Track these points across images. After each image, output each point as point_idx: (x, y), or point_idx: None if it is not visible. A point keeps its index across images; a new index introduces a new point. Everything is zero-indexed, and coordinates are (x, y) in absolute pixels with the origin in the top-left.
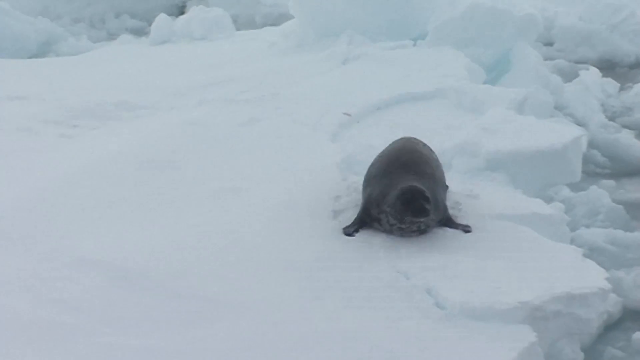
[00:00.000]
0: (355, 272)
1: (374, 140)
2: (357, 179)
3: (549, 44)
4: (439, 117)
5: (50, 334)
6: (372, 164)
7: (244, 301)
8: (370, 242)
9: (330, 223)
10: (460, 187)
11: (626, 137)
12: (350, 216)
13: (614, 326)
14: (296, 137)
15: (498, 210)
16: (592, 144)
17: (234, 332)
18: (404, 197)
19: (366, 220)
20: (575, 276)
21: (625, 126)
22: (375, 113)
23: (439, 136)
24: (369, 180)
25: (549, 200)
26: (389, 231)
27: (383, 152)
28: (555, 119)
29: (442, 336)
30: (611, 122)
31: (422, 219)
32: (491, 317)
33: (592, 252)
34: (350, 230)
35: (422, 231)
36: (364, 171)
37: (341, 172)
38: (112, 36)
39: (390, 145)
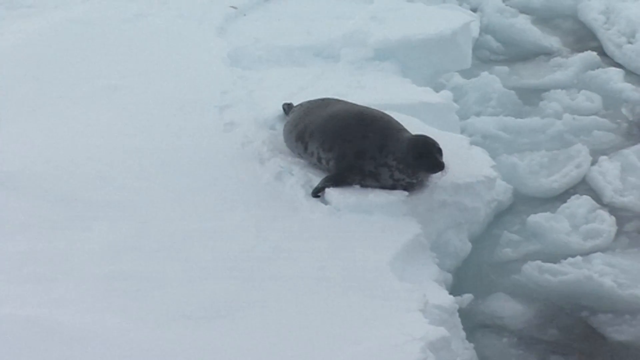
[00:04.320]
0: (240, 169)
1: (261, 33)
2: (244, 73)
3: None
4: (328, 7)
5: None
6: (318, 118)
7: (123, 202)
8: (254, 139)
9: (215, 118)
10: (348, 79)
11: (522, 22)
12: (235, 110)
13: (507, 212)
14: (182, 32)
15: (385, 100)
16: (487, 29)
17: (113, 233)
18: (416, 150)
19: (349, 177)
20: (462, 165)
21: (522, 11)
22: (262, 5)
23: (327, 26)
24: (336, 133)
25: (440, 87)
26: (388, 186)
27: (318, 105)
28: (448, 4)
29: (328, 230)
30: (508, 7)
31: (437, 173)
32: (375, 210)
33: (485, 139)
34: (318, 190)
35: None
36: (251, 65)
37: (227, 66)
38: None
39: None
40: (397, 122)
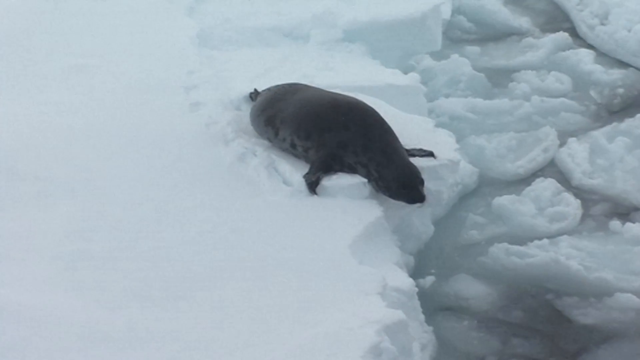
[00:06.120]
0: (204, 150)
1: (231, 14)
2: (212, 53)
3: None
4: None
5: None
6: (290, 105)
7: (87, 182)
8: (219, 120)
9: (181, 98)
10: (317, 60)
11: (492, 3)
12: (202, 91)
13: (472, 194)
14: (151, 11)
15: (352, 82)
16: (459, 10)
17: (73, 213)
18: (400, 181)
19: (332, 166)
20: (426, 148)
21: None
22: None
23: (297, 7)
24: (312, 121)
25: (410, 69)
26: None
27: (298, 89)
28: None
29: (289, 212)
30: None
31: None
32: (337, 192)
33: (452, 121)
34: (314, 185)
35: None
36: (220, 45)
37: (195, 46)
38: None
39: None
40: (372, 110)
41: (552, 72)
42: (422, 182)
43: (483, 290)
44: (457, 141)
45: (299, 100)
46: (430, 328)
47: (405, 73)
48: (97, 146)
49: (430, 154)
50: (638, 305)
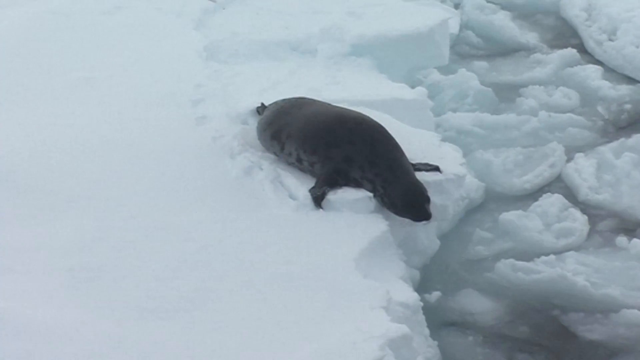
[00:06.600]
0: (210, 163)
1: (239, 27)
2: (219, 67)
3: None
4: (306, 2)
5: None
6: (296, 119)
7: (93, 195)
8: (225, 134)
9: (188, 112)
10: (324, 74)
11: (500, 19)
12: (208, 104)
13: (478, 209)
14: (159, 25)
15: (358, 96)
16: (467, 26)
17: (78, 226)
18: (407, 199)
19: (338, 181)
20: (431, 163)
21: (505, 7)
22: None
23: (305, 21)
24: (317, 136)
25: (418, 84)
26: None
27: (305, 102)
28: (428, 1)
29: (294, 226)
30: (489, 4)
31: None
32: (343, 206)
33: (459, 135)
34: (319, 199)
35: None
36: (227, 59)
37: (203, 60)
38: None
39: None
40: (379, 125)
41: (560, 88)
42: (428, 200)
43: (489, 305)
44: (464, 156)
45: (305, 114)
46: (435, 343)
47: (413, 87)
48: (104, 159)
49: (436, 169)
50: None
